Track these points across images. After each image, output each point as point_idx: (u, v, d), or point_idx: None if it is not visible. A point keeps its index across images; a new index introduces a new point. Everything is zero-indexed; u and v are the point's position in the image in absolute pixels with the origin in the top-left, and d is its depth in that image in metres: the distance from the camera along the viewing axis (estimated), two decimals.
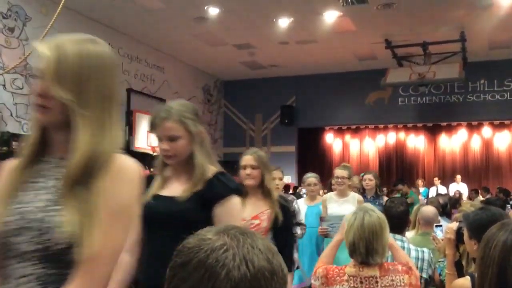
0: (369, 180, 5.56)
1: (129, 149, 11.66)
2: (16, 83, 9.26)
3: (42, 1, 9.46)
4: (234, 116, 16.38)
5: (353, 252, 2.32)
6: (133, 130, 11.72)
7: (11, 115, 9.18)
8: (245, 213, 2.73)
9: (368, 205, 2.58)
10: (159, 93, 13.19)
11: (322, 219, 4.49)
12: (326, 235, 4.44)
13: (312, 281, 2.45)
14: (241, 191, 2.05)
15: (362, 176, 5.57)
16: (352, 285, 2.29)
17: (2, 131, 8.96)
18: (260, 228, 2.80)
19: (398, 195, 7.50)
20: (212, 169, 2.03)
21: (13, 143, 9.18)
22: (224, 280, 0.77)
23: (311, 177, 5.14)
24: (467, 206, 3.95)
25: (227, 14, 10.32)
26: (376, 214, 2.38)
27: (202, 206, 1.92)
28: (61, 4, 4.70)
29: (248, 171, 2.94)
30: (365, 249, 2.27)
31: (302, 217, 4.73)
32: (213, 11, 10.22)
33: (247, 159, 2.98)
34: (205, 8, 10.09)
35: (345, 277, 2.31)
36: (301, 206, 4.95)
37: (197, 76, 15.00)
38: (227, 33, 11.61)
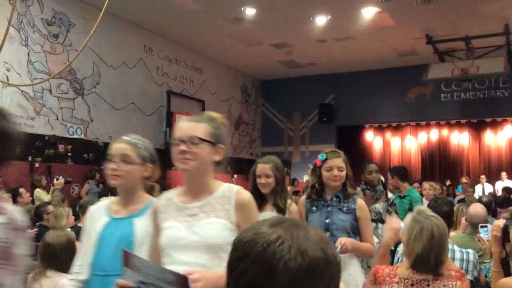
0: (339, 170, 3.05)
1: (169, 150, 11.84)
2: (62, 88, 9.59)
3: (84, 7, 9.76)
4: (272, 116, 16.39)
5: (421, 263, 2.19)
6: (173, 131, 11.90)
7: (57, 118, 9.50)
8: None
9: (425, 208, 2.46)
10: (198, 94, 13.37)
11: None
12: None
13: (367, 281, 2.43)
14: None
15: (323, 160, 3.10)
16: (402, 287, 2.23)
17: (49, 134, 9.29)
18: None
19: (395, 195, 5.58)
20: None
21: (59, 145, 9.52)
22: (282, 272, 0.80)
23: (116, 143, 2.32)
24: None
25: (263, 14, 10.34)
26: (440, 222, 2.26)
27: None
28: (103, 10, 4.83)
29: None
30: (435, 261, 2.17)
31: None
32: (250, 11, 10.26)
33: None
34: (242, 9, 10.15)
35: (396, 279, 2.25)
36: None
37: (235, 76, 15.11)
38: (264, 33, 11.64)
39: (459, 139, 15.53)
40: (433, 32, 11.27)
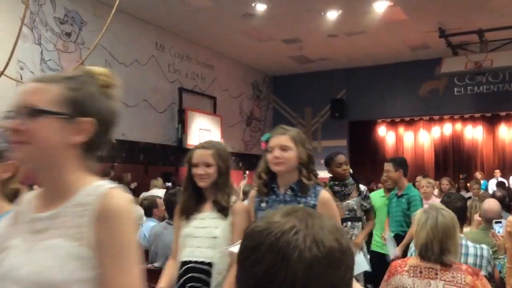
0: (281, 150, 2.35)
1: (181, 147, 11.93)
2: None
3: (96, 5, 9.81)
4: (284, 111, 16.37)
5: (425, 252, 2.28)
6: (185, 128, 11.98)
7: None
8: None
9: (439, 204, 2.52)
10: (209, 91, 13.40)
11: None
12: None
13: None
14: None
15: (266, 141, 2.45)
16: (411, 274, 2.30)
17: None
18: None
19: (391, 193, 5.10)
20: None
21: None
22: (297, 262, 0.79)
23: None
24: None
25: (274, 9, 10.31)
26: (448, 214, 2.34)
27: None
28: (114, 8, 4.85)
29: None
30: (439, 249, 2.25)
31: None
32: (260, 7, 10.24)
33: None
34: (253, 4, 10.13)
35: (406, 268, 2.33)
36: None
37: (246, 72, 15.10)
38: (275, 29, 11.61)
39: (473, 133, 15.41)
40: (446, 25, 11.16)
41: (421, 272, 2.27)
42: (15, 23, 7.58)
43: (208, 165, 2.38)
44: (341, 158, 4.11)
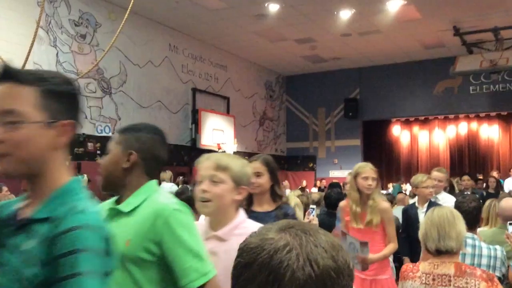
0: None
1: (195, 147, 11.99)
2: (90, 87, 9.77)
3: (111, 7, 9.91)
4: (297, 111, 16.35)
5: (426, 241, 2.28)
6: (199, 128, 12.04)
7: (86, 117, 9.69)
8: None
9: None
10: (222, 91, 13.44)
11: None
12: None
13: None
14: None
15: None
16: (424, 281, 2.25)
17: (78, 133, 9.48)
18: None
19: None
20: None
21: (88, 144, 9.71)
22: (289, 282, 0.75)
23: None
24: None
25: (287, 9, 10.31)
26: (447, 207, 2.38)
27: None
28: (128, 9, 4.90)
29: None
30: (437, 234, 2.24)
31: None
32: (273, 7, 10.25)
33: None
34: (265, 5, 10.14)
35: (418, 274, 2.28)
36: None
37: (259, 72, 15.12)
38: (288, 29, 11.61)
39: (489, 132, 15.24)
40: (460, 23, 11.05)
41: (434, 280, 2.22)
42: (31, 26, 7.69)
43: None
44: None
